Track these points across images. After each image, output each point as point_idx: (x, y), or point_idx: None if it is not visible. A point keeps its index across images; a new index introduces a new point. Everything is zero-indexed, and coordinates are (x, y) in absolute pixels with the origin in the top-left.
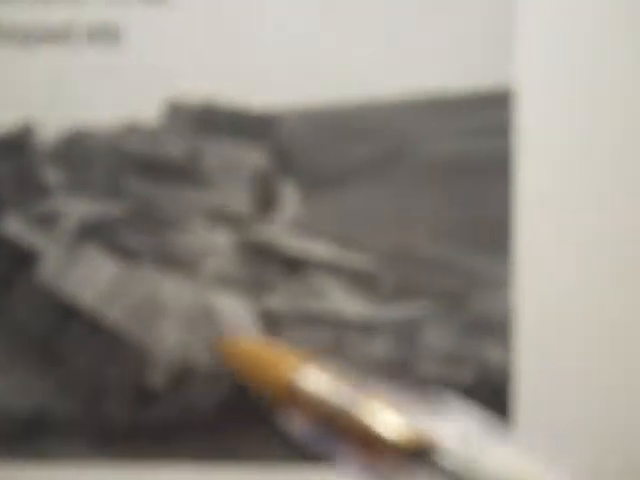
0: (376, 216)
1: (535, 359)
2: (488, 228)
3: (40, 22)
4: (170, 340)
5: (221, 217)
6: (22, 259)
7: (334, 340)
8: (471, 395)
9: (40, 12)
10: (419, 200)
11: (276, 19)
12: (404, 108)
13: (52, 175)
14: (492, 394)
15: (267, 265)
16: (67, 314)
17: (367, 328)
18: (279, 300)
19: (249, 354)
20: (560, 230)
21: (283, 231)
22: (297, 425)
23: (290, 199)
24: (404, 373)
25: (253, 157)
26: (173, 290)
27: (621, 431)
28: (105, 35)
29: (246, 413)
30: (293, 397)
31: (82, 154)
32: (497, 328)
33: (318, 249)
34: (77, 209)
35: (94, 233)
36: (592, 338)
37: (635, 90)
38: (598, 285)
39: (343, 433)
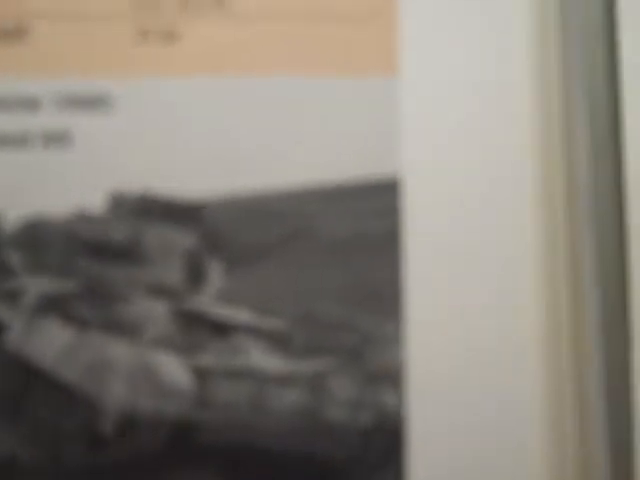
0: (288, 286)
1: (425, 405)
2: (381, 294)
3: (0, 129)
4: (117, 394)
5: (158, 290)
6: None
7: (255, 391)
8: (371, 436)
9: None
10: (323, 272)
11: (201, 123)
12: (309, 195)
13: (14, 257)
14: (389, 435)
15: (198, 329)
16: (30, 375)
17: (282, 380)
18: (208, 358)
19: None
20: (442, 295)
21: (210, 301)
22: None
23: (216, 274)
24: (314, 419)
25: (184, 239)
26: (119, 352)
27: (506, 464)
28: (56, 138)
29: (182, 454)
30: None
31: (39, 239)
32: (391, 378)
33: (240, 315)
34: (36, 286)
35: (51, 306)
36: (473, 386)
37: (508, 182)
38: (475, 338)
39: None
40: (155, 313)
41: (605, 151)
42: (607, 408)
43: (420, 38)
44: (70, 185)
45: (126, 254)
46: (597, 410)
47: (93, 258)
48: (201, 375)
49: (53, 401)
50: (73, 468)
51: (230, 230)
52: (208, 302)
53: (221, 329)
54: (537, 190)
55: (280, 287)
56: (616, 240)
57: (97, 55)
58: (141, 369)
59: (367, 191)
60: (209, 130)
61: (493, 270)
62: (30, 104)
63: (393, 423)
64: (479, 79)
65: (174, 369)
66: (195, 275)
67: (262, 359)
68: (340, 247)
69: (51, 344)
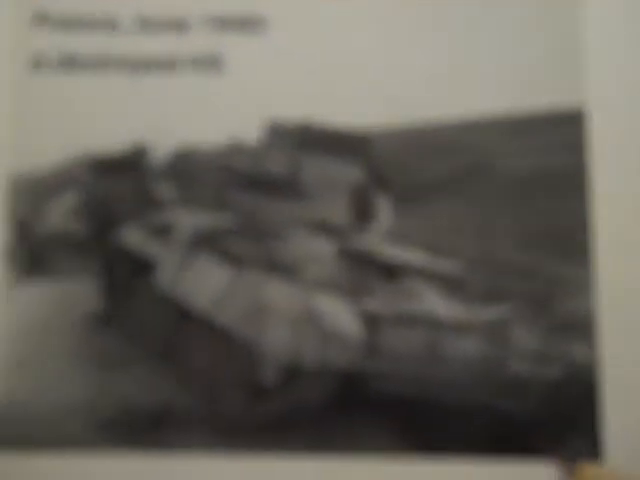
0: (461, 225)
1: (619, 355)
2: (567, 236)
3: (148, 53)
4: (277, 339)
5: (321, 228)
6: (141, 267)
7: (428, 339)
8: (560, 390)
9: (147, 44)
10: (499, 211)
11: (365, 47)
12: (486, 127)
13: (165, 190)
14: (580, 389)
15: (365, 271)
16: (183, 316)
17: (459, 328)
18: (377, 302)
19: None
20: (634, 236)
21: (379, 240)
22: None
23: (384, 211)
24: (495, 370)
25: (348, 172)
26: (279, 295)
27: None
28: (207, 63)
29: (351, 406)
30: None
31: (191, 171)
32: (581, 327)
33: (411, 256)
34: (189, 221)
35: (205, 242)
36: None
37: None
38: None
39: None
40: (318, 253)
41: None
42: None
43: None
44: (222, 113)
45: (285, 188)
46: None
47: (249, 192)
48: (370, 321)
49: (209, 347)
50: (232, 419)
51: (399, 164)
52: (377, 241)
53: (391, 271)
54: None
55: (455, 226)
56: None
57: None
58: (304, 314)
59: (550, 124)
60: (374, 55)
61: None
62: (178, 25)
63: (585, 376)
64: None
65: (340, 314)
66: (362, 212)
67: (436, 304)
68: (521, 184)
69: (205, 284)
